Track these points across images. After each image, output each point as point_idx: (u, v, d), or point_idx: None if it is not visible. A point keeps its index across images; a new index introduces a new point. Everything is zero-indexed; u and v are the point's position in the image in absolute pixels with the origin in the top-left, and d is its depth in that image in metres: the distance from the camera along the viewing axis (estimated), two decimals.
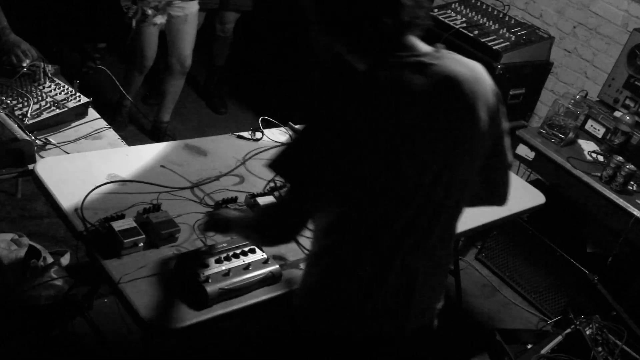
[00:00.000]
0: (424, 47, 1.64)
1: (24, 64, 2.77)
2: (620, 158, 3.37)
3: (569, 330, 3.06)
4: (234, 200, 2.29)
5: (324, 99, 1.62)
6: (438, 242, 1.75)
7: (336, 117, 1.57)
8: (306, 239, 1.95)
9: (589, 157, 3.62)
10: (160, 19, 3.92)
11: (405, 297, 1.76)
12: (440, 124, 1.60)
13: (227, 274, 1.96)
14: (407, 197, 1.62)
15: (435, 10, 4.24)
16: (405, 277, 1.73)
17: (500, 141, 1.77)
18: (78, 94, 2.73)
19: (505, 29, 4.04)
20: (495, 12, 4.28)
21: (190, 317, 1.87)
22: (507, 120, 1.78)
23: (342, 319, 1.74)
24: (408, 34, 1.62)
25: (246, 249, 2.07)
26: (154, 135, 4.44)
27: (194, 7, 4.03)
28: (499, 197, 1.89)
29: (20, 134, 2.35)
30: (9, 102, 2.56)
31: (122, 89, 3.39)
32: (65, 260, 3.00)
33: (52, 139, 2.51)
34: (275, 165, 1.66)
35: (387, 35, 1.59)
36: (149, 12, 3.79)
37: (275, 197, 2.36)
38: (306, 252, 2.14)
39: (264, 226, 1.78)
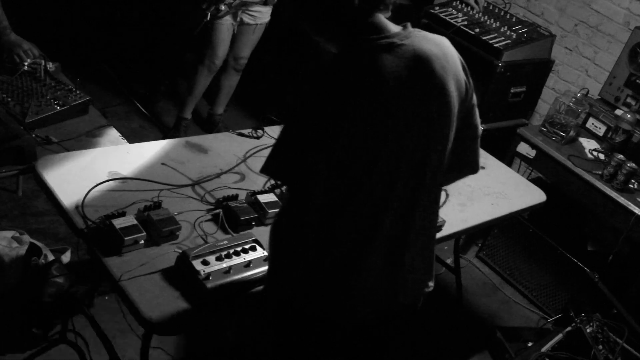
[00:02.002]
0: (393, 27, 1.65)
1: (26, 63, 2.77)
2: (621, 156, 3.36)
3: (569, 328, 3.06)
4: (235, 197, 2.29)
5: (299, 89, 1.64)
6: (421, 217, 1.76)
7: (311, 104, 1.60)
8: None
9: (590, 156, 3.62)
10: (233, 19, 4.06)
11: (391, 275, 1.78)
12: (414, 103, 1.62)
13: (227, 271, 1.96)
14: (387, 175, 1.64)
15: (437, 8, 4.24)
16: (390, 255, 1.75)
17: (471, 112, 1.80)
18: (79, 91, 2.73)
19: (506, 27, 4.04)
20: (497, 10, 4.28)
21: (191, 314, 1.87)
22: (475, 92, 1.81)
23: (324, 299, 1.76)
24: (376, 13, 1.63)
25: (247, 246, 2.07)
26: (208, 126, 4.63)
27: (265, 18, 4.19)
28: (470, 166, 1.92)
29: (21, 131, 2.35)
30: (10, 99, 2.56)
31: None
32: (66, 257, 3.00)
33: (53, 136, 2.51)
34: (266, 169, 1.69)
35: (355, 16, 1.60)
36: (223, 7, 3.94)
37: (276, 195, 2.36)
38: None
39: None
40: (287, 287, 1.79)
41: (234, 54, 4.31)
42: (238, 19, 4.08)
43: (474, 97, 1.81)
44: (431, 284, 1.93)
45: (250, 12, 4.08)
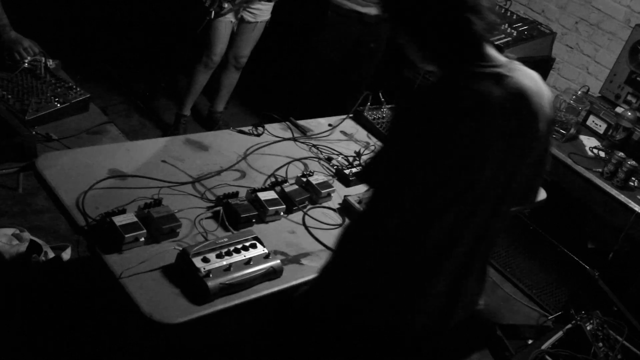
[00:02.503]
0: (499, 57, 1.68)
1: (26, 60, 2.77)
2: (621, 154, 3.36)
3: (569, 325, 3.06)
4: (235, 195, 2.29)
5: (401, 106, 1.70)
6: (490, 243, 1.85)
7: (414, 122, 1.63)
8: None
9: (590, 153, 3.62)
10: (234, 17, 4.06)
11: (453, 294, 1.84)
12: (511, 136, 1.66)
13: (228, 268, 1.96)
14: (471, 201, 1.69)
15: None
16: (459, 276, 1.81)
17: (548, 151, 1.84)
18: (79, 88, 2.73)
19: (507, 25, 4.03)
20: (497, 8, 4.27)
21: (191, 312, 1.87)
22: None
23: (391, 314, 1.81)
24: (486, 41, 1.66)
25: (247, 243, 2.07)
26: (208, 123, 4.62)
27: (266, 16, 4.18)
28: (529, 200, 1.95)
29: (22, 128, 2.35)
30: (10, 96, 2.56)
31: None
32: (66, 255, 3.01)
33: (54, 133, 2.51)
34: (365, 176, 1.78)
35: (469, 41, 1.63)
36: (226, 5, 3.94)
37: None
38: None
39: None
40: (346, 296, 1.82)
41: (234, 52, 4.30)
42: (239, 16, 4.08)
43: (551, 139, 1.86)
44: (482, 302, 1.99)
45: (251, 10, 4.08)
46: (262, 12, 4.13)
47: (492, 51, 1.67)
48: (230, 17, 4.04)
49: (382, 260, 1.76)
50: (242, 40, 4.24)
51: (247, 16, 4.10)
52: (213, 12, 3.94)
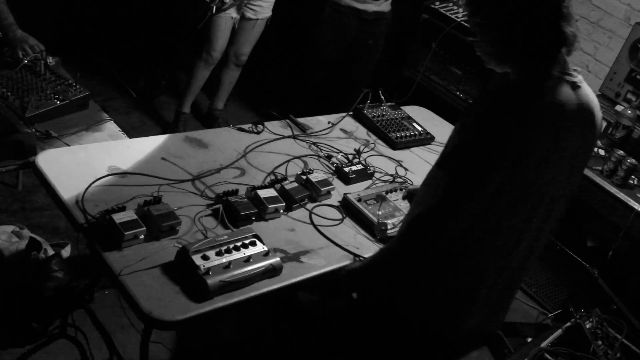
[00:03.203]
0: (572, 66, 1.73)
1: (27, 58, 2.77)
2: (621, 152, 3.36)
3: (568, 323, 3.05)
4: (234, 192, 2.29)
5: (478, 108, 1.75)
6: (538, 250, 1.90)
7: (490, 124, 1.67)
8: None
9: None
10: (235, 13, 4.06)
11: (503, 298, 1.91)
12: (577, 144, 1.72)
13: (227, 266, 1.96)
14: (529, 206, 1.74)
15: (437, 3, 4.23)
16: (509, 280, 1.88)
17: (585, 166, 1.93)
18: (79, 85, 2.73)
19: None
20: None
21: (191, 309, 1.87)
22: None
23: (444, 318, 1.86)
24: (567, 50, 1.70)
25: (247, 241, 2.07)
26: (208, 121, 4.62)
27: (267, 13, 4.19)
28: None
29: (21, 126, 2.35)
30: (10, 94, 2.56)
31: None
32: (66, 252, 3.00)
33: (53, 131, 2.51)
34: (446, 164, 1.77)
35: (557, 49, 1.67)
36: (227, 0, 3.95)
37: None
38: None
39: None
40: (397, 285, 1.87)
41: (235, 50, 4.30)
42: (240, 13, 4.07)
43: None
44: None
45: (252, 7, 4.07)
46: (263, 10, 4.12)
47: (567, 60, 1.72)
48: (231, 13, 4.04)
49: (444, 258, 1.79)
50: (242, 38, 4.24)
51: (248, 13, 4.10)
52: (214, 7, 3.94)
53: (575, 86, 1.69)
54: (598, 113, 1.78)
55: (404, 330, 1.87)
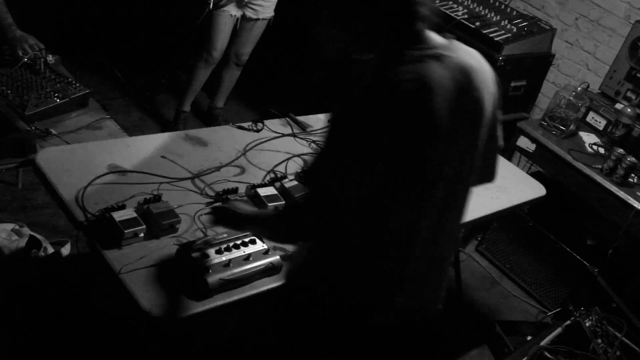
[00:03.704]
0: (438, 38, 1.68)
1: (26, 56, 2.77)
2: (621, 150, 3.36)
3: (568, 322, 3.06)
4: (234, 191, 2.29)
5: (344, 99, 1.66)
6: (451, 229, 1.84)
7: (359, 115, 1.61)
8: None
9: (589, 150, 3.62)
10: (235, 11, 4.04)
11: (424, 283, 1.84)
12: (458, 115, 1.65)
13: (227, 264, 1.96)
14: (430, 188, 1.68)
15: (437, 1, 4.23)
16: (426, 264, 1.81)
17: (496, 126, 1.84)
18: (79, 84, 2.73)
19: (506, 21, 4.03)
20: (497, 4, 4.27)
21: (191, 307, 1.87)
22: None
23: (370, 309, 1.80)
24: (428, 26, 1.65)
25: (247, 239, 2.07)
26: (208, 119, 4.62)
27: (268, 13, 4.17)
28: (490, 175, 1.98)
29: (21, 124, 2.35)
30: (9, 92, 2.56)
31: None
32: (65, 250, 3.01)
33: (53, 129, 2.51)
34: (309, 179, 1.76)
35: (413, 27, 1.62)
36: None
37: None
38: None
39: (291, 222, 1.80)
40: (346, 292, 1.81)
41: (236, 49, 4.30)
42: (240, 12, 4.07)
43: (500, 112, 1.85)
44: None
45: (252, 6, 4.06)
46: (264, 9, 4.11)
47: (429, 34, 1.66)
48: (230, 11, 4.02)
49: (354, 245, 1.75)
50: (244, 38, 4.24)
51: (249, 13, 4.10)
52: (212, 2, 3.94)
53: (439, 58, 1.62)
54: (481, 75, 1.69)
55: (343, 319, 1.83)
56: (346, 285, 1.78)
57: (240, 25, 4.17)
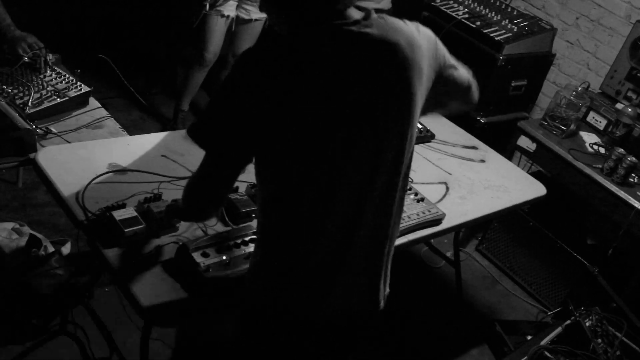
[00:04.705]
0: (354, 13, 1.58)
1: (25, 55, 2.77)
2: (621, 150, 3.36)
3: (568, 321, 3.06)
4: (234, 190, 2.29)
5: (247, 65, 1.57)
6: (375, 215, 1.71)
7: (262, 86, 1.53)
8: None
9: (590, 149, 3.62)
10: (230, 12, 4.04)
11: (372, 270, 1.77)
12: (370, 92, 1.57)
13: (227, 263, 1.96)
14: (341, 167, 1.60)
15: (438, 0, 4.23)
16: (341, 252, 1.70)
17: (445, 74, 1.78)
18: (79, 82, 2.73)
19: (507, 20, 4.03)
20: (498, 3, 4.27)
21: (191, 306, 1.87)
22: (448, 53, 1.80)
23: (288, 298, 1.74)
24: (346, 3, 1.56)
25: (247, 238, 2.07)
26: None
27: (260, 14, 4.12)
28: (466, 102, 1.96)
29: (21, 123, 2.35)
30: (9, 91, 2.56)
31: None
32: (66, 249, 3.01)
33: (53, 128, 2.51)
34: (193, 132, 1.67)
35: (324, 3, 1.54)
36: None
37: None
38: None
39: (187, 201, 1.78)
40: (270, 288, 1.76)
41: (233, 50, 4.29)
42: (235, 13, 4.06)
43: (448, 59, 1.79)
44: (388, 289, 1.89)
45: (245, 7, 4.06)
46: (256, 9, 4.09)
47: (348, 10, 1.57)
48: (224, 12, 4.01)
49: (298, 243, 1.69)
50: (240, 39, 4.24)
51: (242, 14, 4.09)
52: (208, 4, 3.93)
53: (351, 34, 1.54)
54: (403, 51, 1.58)
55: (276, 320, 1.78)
56: (277, 281, 1.74)
57: (237, 28, 4.17)
